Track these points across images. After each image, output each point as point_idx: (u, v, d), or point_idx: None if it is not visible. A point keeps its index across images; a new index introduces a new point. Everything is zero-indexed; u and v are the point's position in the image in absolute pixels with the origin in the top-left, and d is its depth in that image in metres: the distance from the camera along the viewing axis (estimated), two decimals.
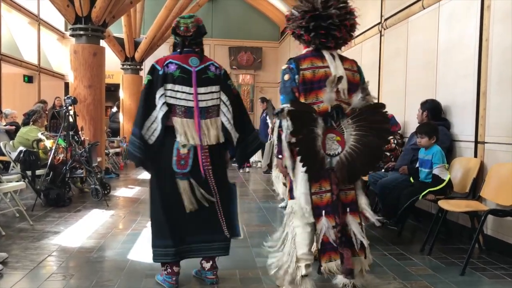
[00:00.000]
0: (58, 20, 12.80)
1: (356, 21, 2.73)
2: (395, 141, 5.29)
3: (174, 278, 3.00)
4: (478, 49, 4.28)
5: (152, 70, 2.94)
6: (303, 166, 2.47)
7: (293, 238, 2.61)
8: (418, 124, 4.72)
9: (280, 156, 2.71)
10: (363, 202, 2.64)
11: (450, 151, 4.57)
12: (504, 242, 3.86)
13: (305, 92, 2.57)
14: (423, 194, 4.14)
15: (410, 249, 4.05)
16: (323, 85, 2.54)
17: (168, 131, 2.91)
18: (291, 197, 2.70)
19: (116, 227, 4.75)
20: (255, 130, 3.26)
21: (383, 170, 5.05)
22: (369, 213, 2.64)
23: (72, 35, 7.72)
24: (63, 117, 6.33)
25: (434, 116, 4.70)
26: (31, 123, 6.63)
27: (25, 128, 6.58)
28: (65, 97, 6.52)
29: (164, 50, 14.08)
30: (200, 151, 2.92)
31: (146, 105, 2.91)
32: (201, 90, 2.94)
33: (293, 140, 2.48)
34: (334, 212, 2.52)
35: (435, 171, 4.17)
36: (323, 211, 2.53)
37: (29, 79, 11.79)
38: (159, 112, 2.87)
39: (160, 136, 2.88)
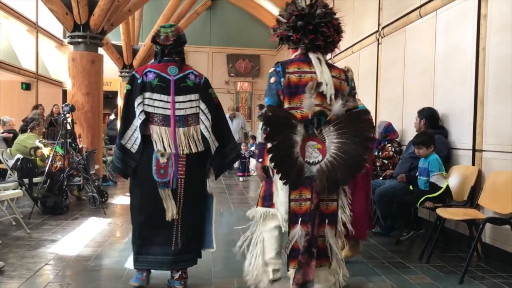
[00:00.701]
0: (56, 27, 12.82)
1: (341, 22, 2.71)
2: (393, 149, 5.30)
3: (144, 274, 3.04)
4: (475, 58, 4.30)
5: (132, 79, 2.99)
6: (276, 173, 2.44)
7: (260, 243, 2.60)
8: (416, 132, 4.74)
9: (260, 160, 2.68)
10: (343, 215, 2.58)
11: (448, 159, 4.57)
12: (502, 251, 3.85)
13: (290, 95, 2.54)
14: (420, 201, 4.15)
15: (408, 257, 4.04)
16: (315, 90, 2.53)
17: (148, 139, 2.95)
18: (262, 204, 2.69)
19: (113, 235, 4.73)
20: (234, 141, 3.25)
21: (381, 178, 5.05)
22: (340, 227, 2.59)
23: (70, 43, 7.73)
24: (60, 125, 6.32)
25: (432, 124, 4.71)
26: (29, 130, 6.62)
27: (23, 135, 6.57)
28: (63, 105, 6.51)
29: None
30: (175, 160, 2.93)
31: (126, 115, 2.98)
32: (180, 98, 2.97)
33: (268, 145, 2.45)
34: (310, 221, 2.48)
35: (432, 179, 4.18)
36: (300, 219, 2.49)
37: (27, 87, 11.79)
38: (137, 120, 2.91)
39: (141, 145, 2.92)
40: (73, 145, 6.47)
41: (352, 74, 3.67)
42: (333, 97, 2.53)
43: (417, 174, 4.44)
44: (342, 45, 8.26)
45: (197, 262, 3.15)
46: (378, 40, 6.68)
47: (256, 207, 2.72)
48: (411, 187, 4.47)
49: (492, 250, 3.96)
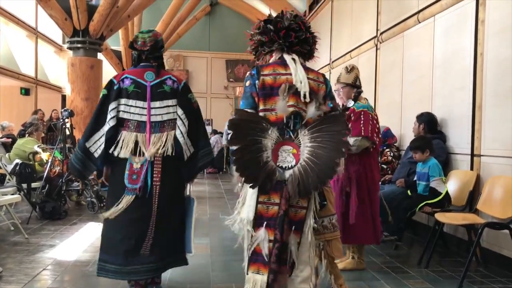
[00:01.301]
0: (55, 33, 12.85)
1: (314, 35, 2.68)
2: (392, 154, 5.31)
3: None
4: (473, 62, 4.32)
5: (109, 84, 2.96)
6: (240, 176, 2.36)
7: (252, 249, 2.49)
8: (415, 137, 4.74)
9: None
10: (312, 224, 2.47)
11: (446, 164, 4.58)
12: (501, 255, 3.85)
13: (264, 97, 2.48)
14: (419, 206, 4.15)
15: (407, 262, 4.03)
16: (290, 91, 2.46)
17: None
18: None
19: None
20: (209, 146, 3.18)
21: (380, 183, 5.05)
22: (308, 236, 2.46)
23: (69, 48, 7.75)
24: (59, 130, 6.33)
25: (430, 129, 4.72)
26: (27, 135, 6.62)
27: (22, 140, 6.57)
28: (62, 110, 6.52)
29: None
30: (150, 166, 2.88)
31: (96, 119, 2.94)
32: (156, 104, 2.93)
33: (233, 149, 2.38)
34: (276, 226, 2.38)
35: (432, 184, 4.18)
36: (265, 222, 2.41)
37: (26, 92, 11.80)
38: (106, 125, 2.90)
39: (103, 151, 2.89)
40: (72, 150, 6.47)
41: (357, 72, 3.78)
42: (307, 95, 2.44)
43: (415, 179, 4.45)
44: (341, 50, 8.35)
45: (183, 264, 3.08)
46: (376, 45, 6.70)
47: (236, 214, 2.59)
48: (409, 192, 4.47)
49: (491, 255, 3.96)
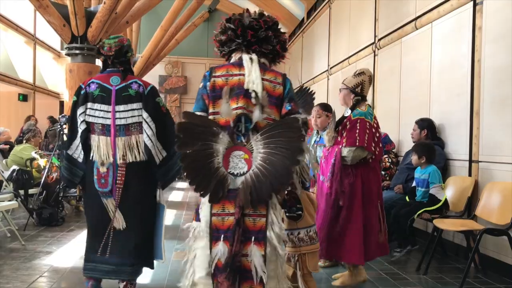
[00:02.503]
0: (54, 39, 12.86)
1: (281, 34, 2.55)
2: (390, 160, 5.30)
3: (90, 283, 3.06)
4: (470, 69, 4.33)
5: (78, 90, 3.04)
6: (189, 184, 2.24)
7: (192, 261, 2.38)
8: (413, 143, 4.74)
9: None
10: (274, 233, 2.28)
11: (444, 170, 4.58)
12: (500, 262, 3.84)
13: (214, 99, 2.37)
14: (418, 213, 4.14)
15: (405, 268, 4.02)
16: (234, 93, 2.34)
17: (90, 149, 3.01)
18: (195, 218, 2.45)
19: None
20: (178, 153, 3.11)
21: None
22: (277, 246, 2.28)
23: (67, 54, 7.74)
24: (51, 136, 6.31)
25: (431, 134, 4.72)
26: (24, 141, 6.60)
27: (19, 147, 6.55)
28: (60, 116, 6.51)
29: (159, 69, 14.17)
30: (114, 169, 2.95)
31: (71, 126, 3.04)
32: (120, 108, 2.98)
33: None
34: (231, 237, 2.24)
35: (432, 190, 4.17)
36: (222, 235, 2.24)
37: (24, 98, 11.79)
38: (78, 129, 2.99)
39: (83, 154, 3.00)
40: None
41: (365, 78, 3.51)
42: (259, 97, 2.30)
43: (413, 185, 4.44)
44: (339, 56, 8.37)
45: (141, 272, 3.10)
46: (374, 51, 6.72)
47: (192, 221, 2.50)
48: (407, 198, 4.46)
49: (489, 261, 3.94)
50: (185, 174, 2.21)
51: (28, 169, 6.17)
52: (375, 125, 3.47)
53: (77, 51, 7.50)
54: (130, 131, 2.97)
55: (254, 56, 2.41)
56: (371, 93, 6.67)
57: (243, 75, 2.36)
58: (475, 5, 4.31)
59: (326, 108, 4.23)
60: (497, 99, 3.97)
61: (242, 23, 2.44)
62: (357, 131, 3.35)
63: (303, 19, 11.79)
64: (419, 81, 5.34)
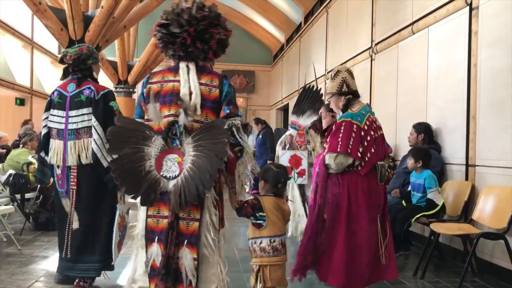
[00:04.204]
0: (51, 43, 12.86)
1: (218, 30, 2.47)
2: (387, 164, 5.30)
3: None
4: (467, 73, 4.35)
5: (49, 97, 3.33)
6: (120, 186, 2.28)
7: (135, 258, 2.47)
8: (410, 147, 4.75)
9: None
10: (209, 237, 2.31)
11: (441, 174, 4.58)
12: (496, 266, 3.84)
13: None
14: (416, 217, 4.14)
15: (403, 272, 4.01)
16: (168, 99, 2.35)
17: None
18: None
19: None
20: None
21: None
22: (208, 251, 2.31)
23: None
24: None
25: (428, 138, 4.73)
26: (21, 145, 6.58)
27: (16, 151, 6.52)
28: None
29: None
30: (67, 171, 3.16)
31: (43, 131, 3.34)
32: (72, 113, 3.17)
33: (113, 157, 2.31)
34: (164, 240, 2.27)
35: (430, 195, 4.17)
36: (157, 237, 2.28)
37: (21, 102, 11.76)
38: (43, 134, 3.28)
39: (47, 156, 3.28)
40: None
41: (345, 75, 3.25)
42: (198, 106, 2.31)
43: (409, 189, 4.45)
44: (336, 61, 8.38)
45: (99, 274, 3.26)
46: (371, 56, 6.74)
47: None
48: (404, 203, 4.47)
49: (486, 265, 3.95)
50: (114, 177, 2.24)
51: (24, 173, 6.14)
52: (366, 127, 3.08)
53: None
54: (80, 135, 3.16)
55: (192, 65, 2.40)
56: (367, 98, 6.69)
57: (178, 81, 2.37)
58: (471, 10, 4.34)
59: (331, 109, 4.13)
60: (493, 103, 3.98)
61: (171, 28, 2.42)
62: (341, 135, 3.02)
63: (300, 23, 11.83)
64: (415, 86, 5.36)
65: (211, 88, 2.39)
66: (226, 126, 2.29)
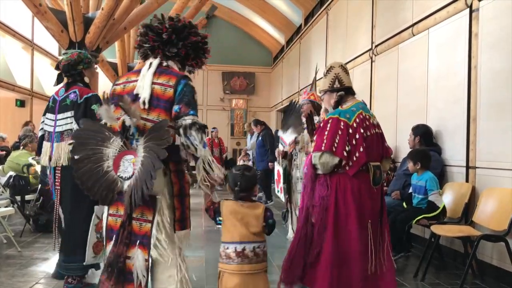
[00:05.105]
0: (51, 45, 12.86)
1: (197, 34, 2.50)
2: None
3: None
4: (467, 75, 4.35)
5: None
6: (80, 186, 2.29)
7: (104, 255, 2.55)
8: (410, 149, 4.75)
9: None
10: (161, 239, 2.29)
11: (441, 176, 4.58)
12: (497, 268, 3.83)
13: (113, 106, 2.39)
14: (417, 219, 4.13)
15: (403, 275, 4.01)
16: (130, 100, 2.34)
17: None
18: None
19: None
20: None
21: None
22: (161, 253, 2.29)
23: None
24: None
25: (426, 141, 4.73)
26: (21, 147, 6.58)
27: (16, 153, 6.52)
28: None
29: None
30: (53, 172, 3.31)
31: None
32: (60, 116, 3.35)
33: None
34: (116, 238, 2.27)
35: (431, 197, 4.16)
36: (115, 235, 2.29)
37: (21, 104, 11.76)
38: (38, 137, 3.49)
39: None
40: None
41: (338, 71, 3.07)
42: (146, 104, 2.29)
43: (410, 191, 4.44)
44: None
45: (84, 273, 3.35)
46: (371, 58, 6.75)
47: None
48: (404, 205, 4.46)
49: (487, 267, 3.94)
50: (75, 177, 2.26)
51: (25, 175, 6.14)
52: (355, 124, 2.83)
53: None
54: (63, 137, 3.30)
55: (156, 61, 2.41)
56: (368, 99, 6.70)
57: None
58: (471, 12, 4.34)
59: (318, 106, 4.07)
60: (493, 105, 3.98)
61: (150, 28, 2.46)
62: (326, 133, 2.81)
63: (300, 25, 11.84)
64: (416, 87, 5.36)
65: (166, 88, 2.34)
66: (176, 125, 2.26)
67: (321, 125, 2.93)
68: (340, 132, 2.77)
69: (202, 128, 2.26)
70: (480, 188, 4.07)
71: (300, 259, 2.84)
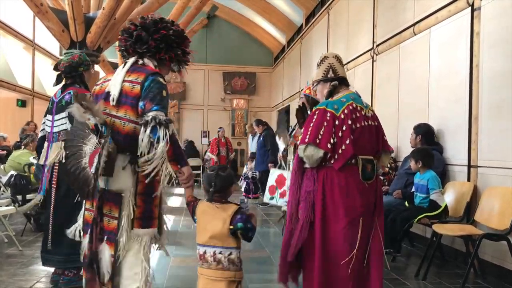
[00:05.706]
0: (53, 45, 12.87)
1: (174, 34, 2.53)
2: (388, 165, 5.30)
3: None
4: (469, 74, 4.34)
5: None
6: (69, 184, 2.43)
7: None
8: (412, 148, 4.74)
9: None
10: (124, 236, 2.33)
11: (443, 175, 4.57)
12: (499, 267, 3.83)
13: None
14: (418, 218, 4.13)
15: (404, 274, 4.00)
16: (98, 99, 2.41)
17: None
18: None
19: None
20: None
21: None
22: (125, 249, 2.33)
23: None
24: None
25: (427, 140, 4.72)
26: (23, 147, 6.58)
27: (17, 152, 6.52)
28: None
29: None
30: (51, 171, 3.39)
31: None
32: (56, 117, 3.46)
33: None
34: (90, 235, 2.37)
35: (433, 196, 4.16)
36: (89, 229, 2.39)
37: (22, 103, 11.77)
38: (39, 137, 3.60)
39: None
40: None
41: (332, 61, 2.90)
42: (115, 101, 2.33)
43: (412, 190, 4.44)
44: None
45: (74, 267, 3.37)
46: (372, 57, 6.74)
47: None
48: (406, 204, 4.46)
49: (489, 266, 3.93)
50: (63, 173, 2.47)
51: (26, 174, 6.14)
52: (342, 115, 2.66)
53: None
54: (59, 137, 3.40)
55: (130, 60, 2.47)
56: (369, 99, 6.69)
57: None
58: (473, 11, 4.33)
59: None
60: (495, 104, 3.97)
61: (124, 30, 2.54)
62: (311, 124, 2.67)
63: (301, 25, 11.83)
64: (417, 87, 5.35)
65: (134, 85, 2.35)
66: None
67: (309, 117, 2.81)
68: (325, 124, 2.63)
69: (164, 123, 2.22)
70: (482, 187, 4.06)
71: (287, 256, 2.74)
